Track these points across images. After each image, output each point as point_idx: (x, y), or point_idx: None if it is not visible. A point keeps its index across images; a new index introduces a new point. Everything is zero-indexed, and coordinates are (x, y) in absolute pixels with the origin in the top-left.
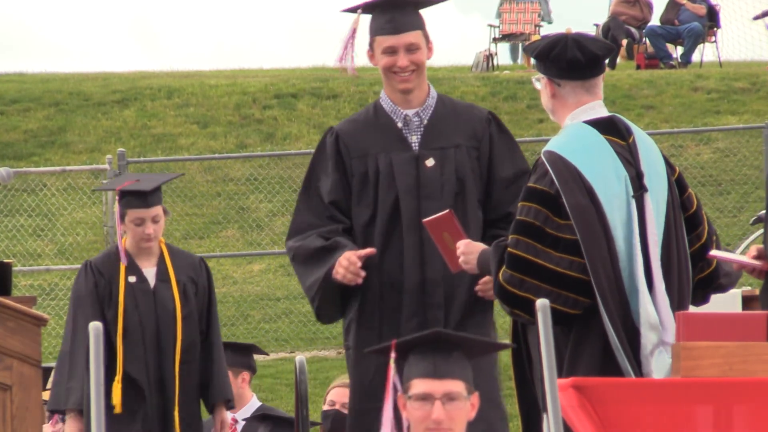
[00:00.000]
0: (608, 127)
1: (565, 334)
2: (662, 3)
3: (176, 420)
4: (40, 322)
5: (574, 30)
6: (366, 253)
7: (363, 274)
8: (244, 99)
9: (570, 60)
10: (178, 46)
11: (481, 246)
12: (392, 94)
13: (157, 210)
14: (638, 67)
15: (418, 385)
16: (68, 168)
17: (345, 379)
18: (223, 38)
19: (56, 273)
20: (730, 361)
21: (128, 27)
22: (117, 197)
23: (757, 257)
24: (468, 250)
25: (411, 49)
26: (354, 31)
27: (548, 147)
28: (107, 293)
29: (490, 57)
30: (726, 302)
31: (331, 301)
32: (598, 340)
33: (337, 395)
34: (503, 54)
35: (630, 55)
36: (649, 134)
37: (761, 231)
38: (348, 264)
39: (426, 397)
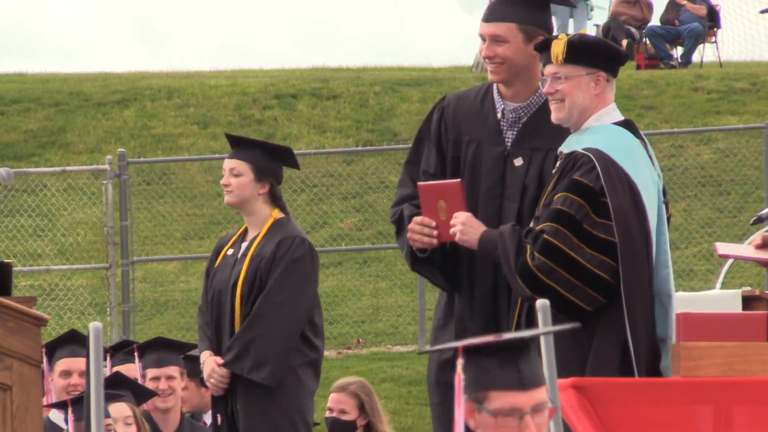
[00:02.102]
0: (631, 129)
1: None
2: (662, 3)
3: None
4: (40, 322)
5: (575, 30)
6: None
7: (435, 233)
8: (244, 99)
9: (625, 56)
10: (180, 47)
11: (482, 225)
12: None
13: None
14: (638, 67)
15: (500, 399)
16: (68, 168)
17: (343, 380)
18: (224, 38)
19: (56, 273)
20: (730, 361)
21: (131, 27)
22: None
23: (763, 246)
24: (468, 223)
25: (497, 40)
26: None
27: (592, 145)
28: None
29: None
30: (726, 302)
31: (429, 271)
32: (617, 345)
33: (333, 401)
34: None
35: (630, 56)
36: (649, 134)
37: (764, 229)
38: (419, 228)
39: (511, 413)
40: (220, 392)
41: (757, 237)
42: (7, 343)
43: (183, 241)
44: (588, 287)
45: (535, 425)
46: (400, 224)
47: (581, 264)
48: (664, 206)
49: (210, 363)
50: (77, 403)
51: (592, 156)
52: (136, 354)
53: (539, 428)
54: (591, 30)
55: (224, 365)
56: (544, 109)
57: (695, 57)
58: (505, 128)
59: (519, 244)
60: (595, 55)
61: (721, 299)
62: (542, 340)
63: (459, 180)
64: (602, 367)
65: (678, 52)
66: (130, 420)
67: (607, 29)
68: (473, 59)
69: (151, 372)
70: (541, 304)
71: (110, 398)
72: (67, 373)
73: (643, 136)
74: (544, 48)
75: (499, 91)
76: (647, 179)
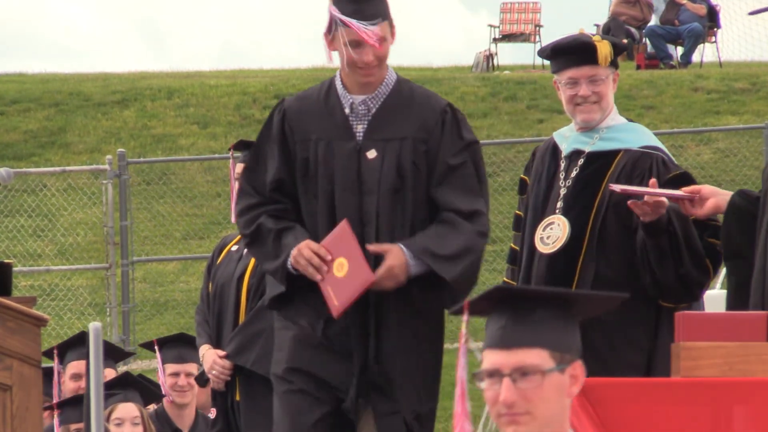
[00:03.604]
0: None
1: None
2: (660, 6)
3: None
4: (40, 322)
5: (573, 31)
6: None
7: (325, 269)
8: (244, 99)
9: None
10: (180, 47)
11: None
12: (346, 78)
13: None
14: (638, 67)
15: (486, 359)
16: (68, 168)
17: None
18: (224, 38)
19: (56, 273)
20: (730, 361)
21: (131, 27)
22: None
23: (697, 193)
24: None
25: (378, 42)
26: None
27: (650, 143)
28: None
29: (490, 57)
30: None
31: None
32: None
33: None
34: (503, 54)
35: (630, 56)
36: None
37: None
38: (310, 256)
39: (494, 374)
40: (221, 385)
41: (701, 186)
42: (7, 343)
43: (183, 241)
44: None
45: (518, 391)
46: (259, 236)
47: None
48: None
49: (211, 355)
50: (67, 405)
51: (661, 154)
52: (156, 347)
53: (525, 394)
54: (591, 30)
55: (227, 357)
56: (393, 98)
57: (695, 57)
58: (354, 122)
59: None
60: (617, 54)
61: (721, 299)
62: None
63: (344, 220)
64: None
65: (678, 52)
66: (138, 420)
67: (607, 29)
68: (473, 59)
69: (171, 367)
70: None
71: (118, 398)
72: (77, 376)
73: None
74: (558, 54)
75: (344, 85)
76: None
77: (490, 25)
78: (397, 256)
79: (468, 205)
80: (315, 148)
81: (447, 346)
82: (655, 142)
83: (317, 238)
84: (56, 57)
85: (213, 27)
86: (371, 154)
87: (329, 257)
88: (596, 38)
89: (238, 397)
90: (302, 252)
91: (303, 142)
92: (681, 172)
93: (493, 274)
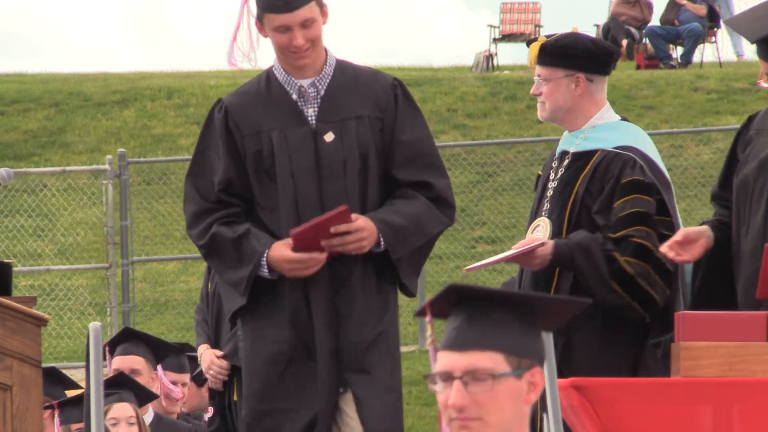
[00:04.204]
0: None
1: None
2: (662, 3)
3: None
4: (41, 322)
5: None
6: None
7: (323, 256)
8: None
9: (614, 54)
10: (181, 47)
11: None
12: (285, 64)
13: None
14: (638, 67)
15: (439, 360)
16: (68, 168)
17: None
18: (224, 38)
19: (56, 273)
20: (729, 361)
21: (131, 27)
22: None
23: (683, 242)
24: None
25: (306, 25)
26: (242, 15)
27: (626, 143)
28: None
29: (490, 57)
30: None
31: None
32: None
33: None
34: (503, 54)
35: (630, 56)
36: (649, 134)
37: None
38: (300, 261)
39: (445, 376)
40: (219, 384)
41: (680, 231)
42: (7, 343)
43: (183, 241)
44: (667, 286)
45: (469, 395)
46: (216, 247)
47: (661, 263)
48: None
49: (208, 355)
50: (67, 405)
51: (634, 156)
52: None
53: (476, 398)
54: (591, 30)
55: (224, 357)
56: (338, 77)
57: (695, 57)
58: (303, 107)
59: (605, 254)
60: (570, 56)
61: None
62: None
63: (345, 206)
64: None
65: (678, 52)
66: (133, 420)
67: (606, 29)
68: (473, 59)
69: (171, 375)
70: None
71: (114, 398)
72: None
73: None
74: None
75: (286, 71)
76: (665, 175)
77: (490, 26)
78: (366, 221)
79: (438, 181)
80: (268, 139)
81: None
82: (633, 142)
83: (280, 232)
84: (56, 57)
85: (213, 27)
86: (329, 137)
87: (321, 255)
88: (539, 39)
89: (235, 397)
90: (296, 264)
91: (253, 135)
92: (632, 179)
93: (493, 275)
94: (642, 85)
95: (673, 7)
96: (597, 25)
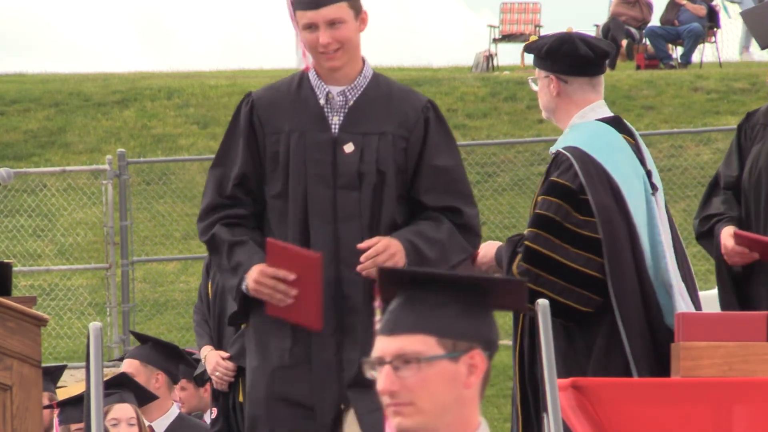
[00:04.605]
0: (619, 125)
1: (584, 334)
2: (662, 3)
3: None
4: (40, 322)
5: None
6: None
7: (293, 292)
8: None
9: (583, 56)
10: (181, 47)
11: (495, 244)
12: (319, 68)
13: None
14: (638, 67)
15: (374, 346)
16: (68, 168)
17: None
18: (224, 38)
19: (56, 273)
20: (730, 361)
21: (131, 27)
22: None
23: (738, 243)
24: (485, 252)
25: (333, 24)
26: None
27: (570, 143)
28: None
29: (490, 57)
30: None
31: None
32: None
33: None
34: (503, 54)
35: (630, 56)
36: (649, 134)
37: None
38: (273, 284)
39: (380, 362)
40: (225, 386)
41: (725, 236)
42: (7, 343)
43: (183, 241)
44: (579, 287)
45: (399, 380)
46: (215, 247)
47: (566, 265)
48: (654, 199)
49: (214, 356)
50: (67, 405)
51: (569, 155)
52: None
53: (406, 383)
54: (591, 30)
55: (230, 359)
56: (371, 89)
57: (695, 57)
58: (329, 114)
59: (512, 254)
60: (541, 57)
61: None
62: (543, 340)
63: (320, 254)
64: (609, 365)
65: (678, 52)
66: (133, 421)
67: (606, 29)
68: (473, 59)
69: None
70: (542, 304)
71: (114, 398)
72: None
73: (634, 132)
74: (531, 50)
75: (318, 75)
76: (629, 173)
77: (490, 26)
78: (391, 240)
79: (468, 209)
80: (287, 141)
81: None
82: (583, 143)
83: (286, 238)
84: (56, 57)
85: (213, 27)
86: (348, 147)
87: (291, 276)
88: (531, 38)
89: (241, 398)
90: (262, 282)
91: (273, 134)
92: (551, 180)
93: None
94: (642, 85)
95: (673, 7)
96: (597, 25)
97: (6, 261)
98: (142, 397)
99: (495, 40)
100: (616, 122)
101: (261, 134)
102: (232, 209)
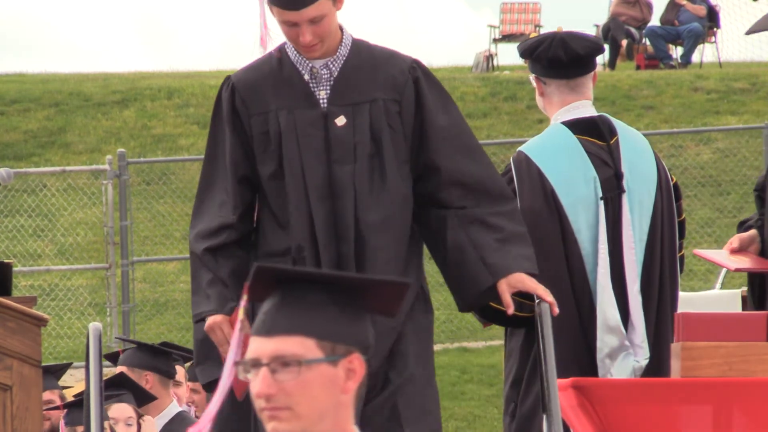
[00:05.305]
0: (587, 127)
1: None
2: (662, 3)
3: None
4: (41, 322)
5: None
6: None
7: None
8: None
9: (551, 58)
10: (181, 47)
11: None
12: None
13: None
14: (638, 67)
15: (249, 347)
16: (68, 168)
17: None
18: (224, 38)
19: (56, 273)
20: (729, 361)
21: (131, 27)
22: None
23: (738, 249)
24: None
25: (315, 21)
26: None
27: (522, 147)
28: None
29: (490, 57)
30: (726, 302)
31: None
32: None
33: None
34: (503, 54)
35: (630, 56)
36: (649, 134)
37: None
38: (220, 341)
39: (254, 364)
40: None
41: (733, 239)
42: (7, 343)
43: (183, 241)
44: (517, 295)
45: (276, 383)
46: (193, 265)
47: None
48: (602, 201)
49: None
50: (73, 407)
51: (512, 159)
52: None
53: (284, 386)
54: (591, 30)
55: None
56: (353, 58)
57: (695, 57)
58: (315, 88)
59: None
60: (524, 57)
61: (720, 299)
62: (542, 340)
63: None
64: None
65: (678, 52)
66: (132, 421)
67: (606, 29)
68: (473, 59)
69: (192, 384)
70: (544, 307)
71: (113, 399)
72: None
73: (615, 132)
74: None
75: (298, 52)
76: (573, 177)
77: (490, 26)
78: (527, 277)
79: (478, 170)
80: (276, 120)
81: (447, 346)
82: (528, 146)
83: (287, 222)
84: (56, 57)
85: (213, 27)
86: (340, 121)
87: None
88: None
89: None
90: (216, 333)
91: (260, 115)
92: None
93: None
94: (642, 85)
95: (673, 7)
96: (597, 25)
97: (6, 261)
98: (141, 397)
99: (495, 40)
100: (589, 123)
101: (246, 115)
102: (216, 239)
